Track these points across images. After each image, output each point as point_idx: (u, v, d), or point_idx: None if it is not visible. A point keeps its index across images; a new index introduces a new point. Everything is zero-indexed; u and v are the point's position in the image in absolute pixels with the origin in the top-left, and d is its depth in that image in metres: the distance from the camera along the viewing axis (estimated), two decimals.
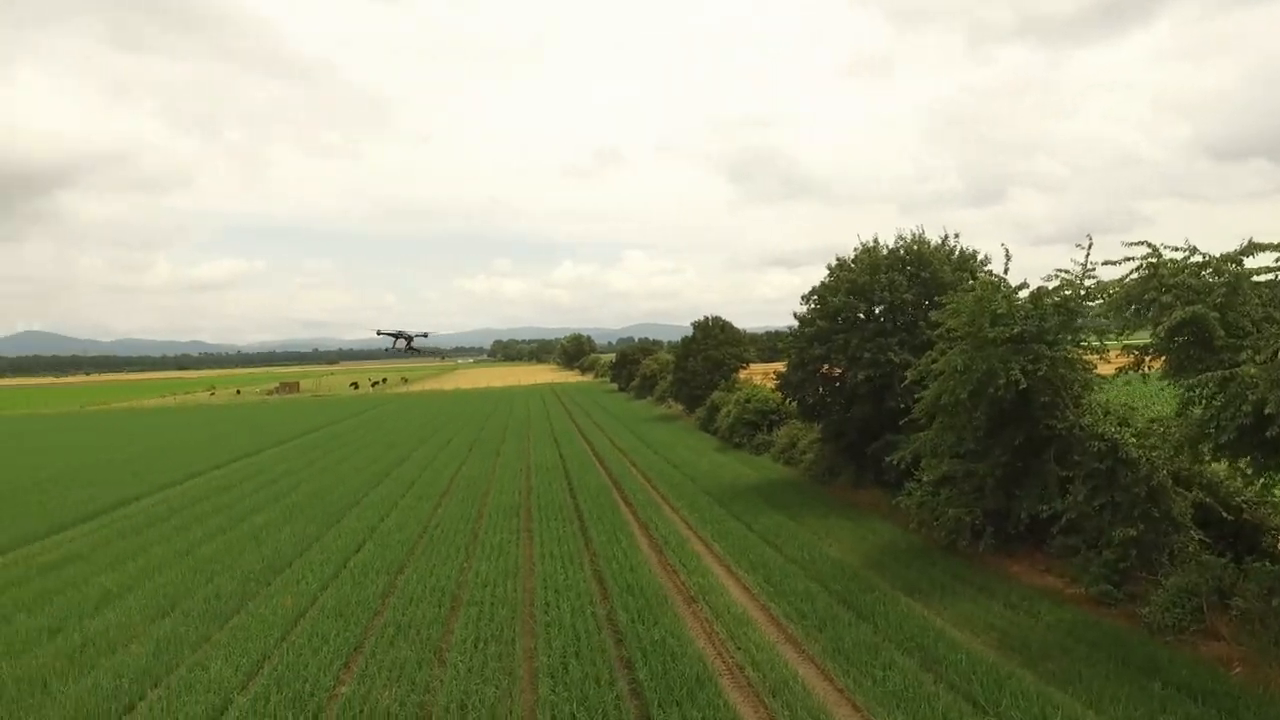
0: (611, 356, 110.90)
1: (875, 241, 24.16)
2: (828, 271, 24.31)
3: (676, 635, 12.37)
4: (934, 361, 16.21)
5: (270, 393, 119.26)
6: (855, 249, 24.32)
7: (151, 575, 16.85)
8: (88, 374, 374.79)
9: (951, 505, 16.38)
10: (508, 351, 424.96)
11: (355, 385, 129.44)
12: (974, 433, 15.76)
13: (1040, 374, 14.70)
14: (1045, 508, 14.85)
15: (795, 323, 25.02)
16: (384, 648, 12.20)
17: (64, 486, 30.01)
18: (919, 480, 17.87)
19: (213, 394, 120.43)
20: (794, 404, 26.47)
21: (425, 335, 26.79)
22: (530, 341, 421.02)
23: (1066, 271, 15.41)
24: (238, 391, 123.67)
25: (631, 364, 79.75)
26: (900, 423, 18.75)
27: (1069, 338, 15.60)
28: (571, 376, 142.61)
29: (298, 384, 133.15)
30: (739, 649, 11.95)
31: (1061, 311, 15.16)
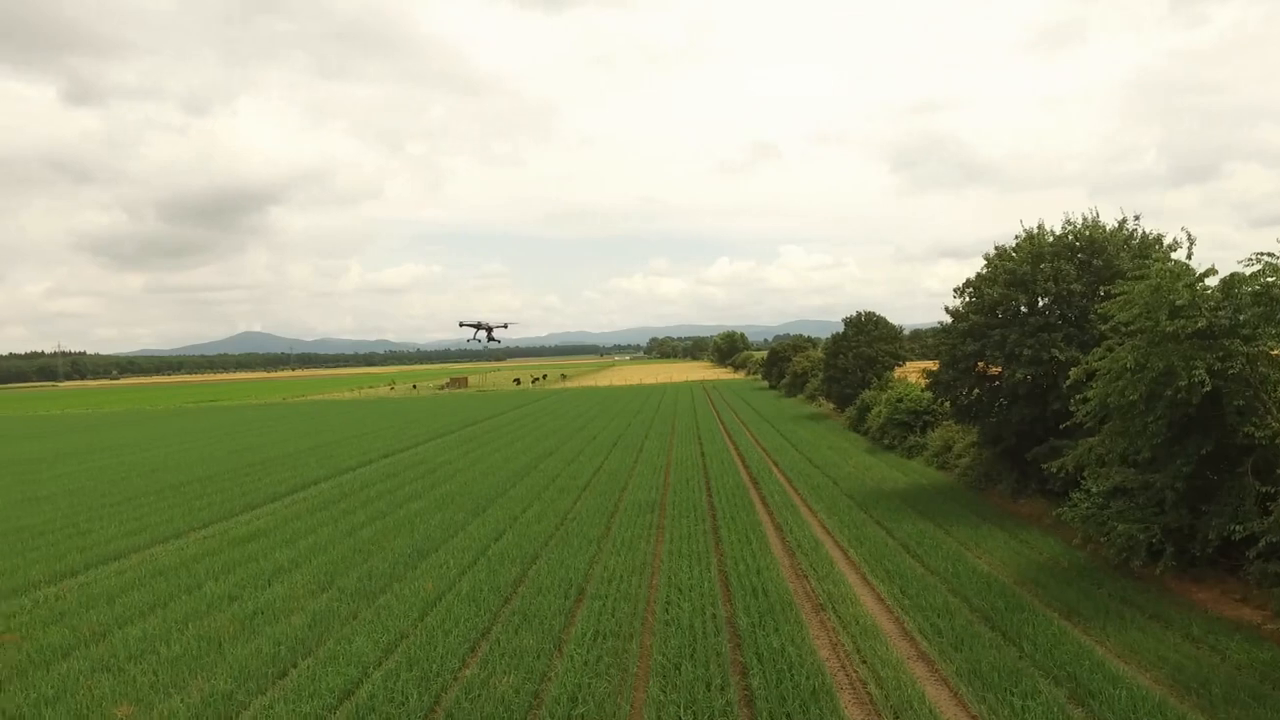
0: (764, 354, 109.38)
1: (1040, 227, 22.08)
2: (984, 262, 22.51)
3: (798, 643, 11.88)
4: (1101, 358, 14.48)
5: (442, 388, 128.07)
6: (1017, 236, 22.37)
7: (318, 553, 18.47)
8: (293, 369, 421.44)
9: (1124, 520, 14.59)
10: (663, 349, 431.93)
11: (518, 381, 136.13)
12: (1150, 439, 13.92)
13: (1233, 373, 12.72)
14: (1239, 528, 12.86)
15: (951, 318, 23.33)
16: (509, 635, 12.61)
17: (262, 470, 33.71)
18: (1087, 491, 16.10)
19: (392, 389, 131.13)
20: (946, 404, 24.73)
21: (505, 326, 27.90)
22: (685, 339, 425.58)
23: (1271, 254, 13.24)
24: (414, 386, 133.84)
25: (782, 361, 78.21)
26: (1060, 426, 16.96)
27: (1273, 331, 13.38)
28: (724, 374, 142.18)
29: (466, 379, 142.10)
30: (864, 662, 11.28)
31: (1261, 301, 13.05)
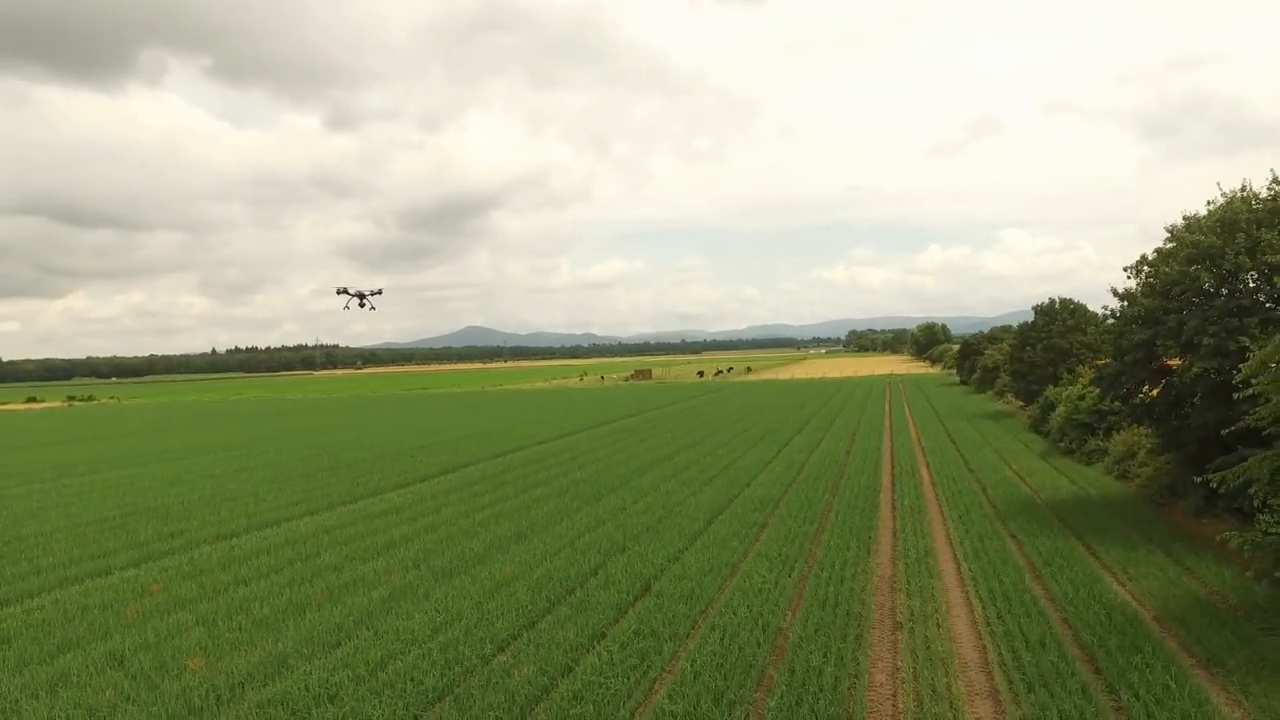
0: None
1: (1244, 188, 18.24)
2: (1166, 235, 18.98)
3: (846, 664, 10.68)
4: (1263, 346, 11.57)
5: (626, 379, 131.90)
6: (1210, 202, 18.66)
7: (429, 531, 19.54)
8: (505, 361, 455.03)
9: None
10: (861, 342, 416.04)
11: (701, 374, 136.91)
12: None
13: None
14: None
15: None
16: (555, 626, 12.49)
17: (426, 453, 36.49)
18: (1276, 511, 13.00)
19: (581, 380, 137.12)
20: (1117, 404, 21.17)
21: (379, 292, 30.99)
22: (885, 331, 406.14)
23: None
24: (601, 378, 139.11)
25: (974, 355, 71.82)
26: (1223, 432, 13.83)
27: None
28: (920, 368, 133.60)
29: (650, 372, 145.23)
30: (915, 694, 9.89)
31: None
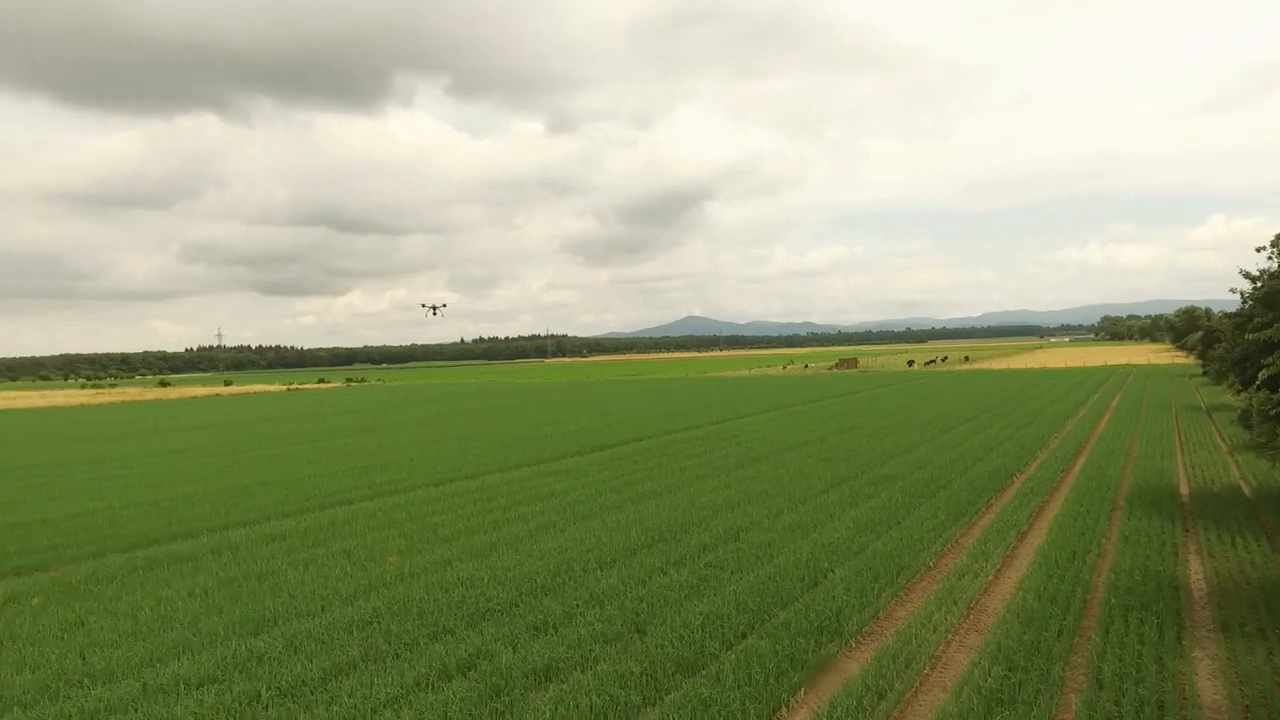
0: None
1: None
2: None
3: (868, 599, 12.69)
4: None
5: (831, 368, 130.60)
6: None
7: (584, 487, 23.42)
8: (721, 350, 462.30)
9: None
10: (1115, 329, 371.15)
11: (911, 363, 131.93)
12: None
13: None
14: None
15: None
16: (647, 556, 15.53)
17: (609, 429, 41.07)
18: None
19: (785, 369, 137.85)
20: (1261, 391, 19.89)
21: (444, 305, 38.42)
22: (1144, 317, 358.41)
23: None
24: (805, 366, 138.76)
25: (1216, 342, 63.58)
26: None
27: None
28: (1171, 357, 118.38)
29: (855, 361, 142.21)
30: (915, 624, 11.75)
31: None
